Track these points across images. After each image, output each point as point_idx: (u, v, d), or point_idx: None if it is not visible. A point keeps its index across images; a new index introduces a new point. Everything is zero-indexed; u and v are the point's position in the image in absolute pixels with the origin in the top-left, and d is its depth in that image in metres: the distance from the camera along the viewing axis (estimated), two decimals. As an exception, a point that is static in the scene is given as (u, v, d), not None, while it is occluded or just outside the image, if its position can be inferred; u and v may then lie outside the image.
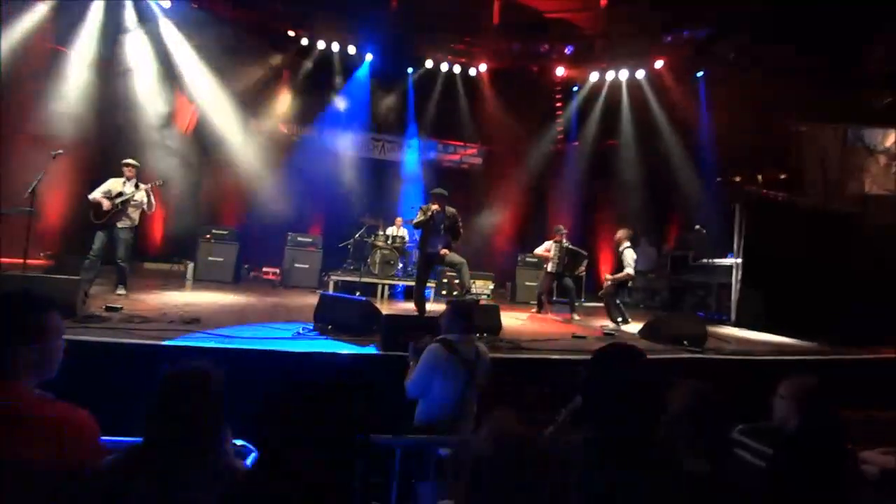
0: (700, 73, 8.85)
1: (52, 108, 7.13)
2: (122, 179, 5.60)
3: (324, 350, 3.62)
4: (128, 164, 5.64)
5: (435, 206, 5.23)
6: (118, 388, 2.41)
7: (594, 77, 9.95)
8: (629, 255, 6.33)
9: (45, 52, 7.23)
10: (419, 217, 5.25)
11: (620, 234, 6.50)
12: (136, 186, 5.62)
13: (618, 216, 10.07)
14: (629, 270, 6.29)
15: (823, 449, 1.74)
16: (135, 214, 5.66)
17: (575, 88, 10.34)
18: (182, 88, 8.58)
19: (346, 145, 10.14)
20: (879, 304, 5.51)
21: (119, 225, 5.52)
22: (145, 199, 5.68)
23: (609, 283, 6.39)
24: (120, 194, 5.51)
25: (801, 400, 1.84)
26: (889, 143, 7.69)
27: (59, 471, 1.24)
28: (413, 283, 6.15)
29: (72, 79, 7.33)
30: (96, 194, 5.48)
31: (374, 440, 2.20)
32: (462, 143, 10.75)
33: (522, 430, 1.09)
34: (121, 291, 5.42)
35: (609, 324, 6.17)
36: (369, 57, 9.80)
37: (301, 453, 1.03)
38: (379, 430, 2.48)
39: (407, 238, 8.48)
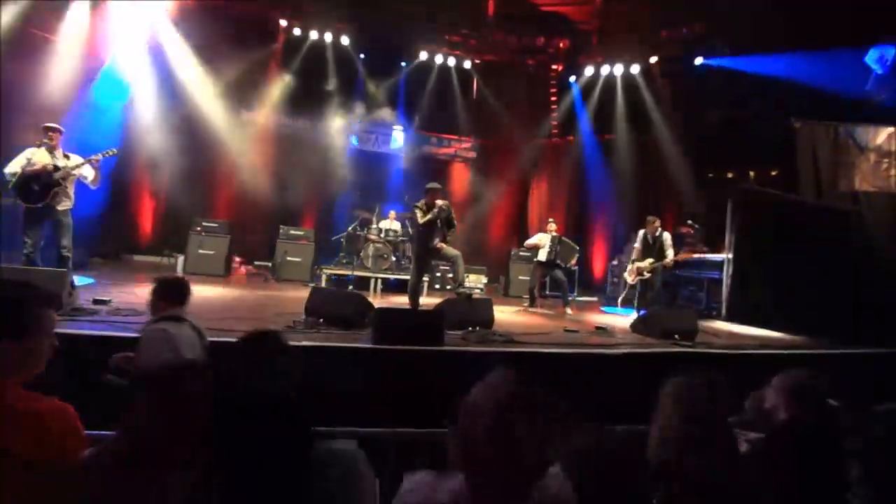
0: (699, 61, 8.80)
1: (40, 96, 7.00)
2: (43, 149, 4.54)
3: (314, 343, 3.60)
4: (53, 129, 4.59)
5: (441, 202, 5.19)
6: (105, 381, 2.38)
7: (589, 71, 9.93)
8: (670, 238, 6.49)
9: (33, 40, 7.09)
10: (426, 216, 5.18)
11: (657, 221, 6.55)
12: (66, 157, 4.65)
13: (612, 211, 10.13)
14: (672, 253, 6.42)
15: (810, 442, 1.75)
16: (72, 192, 4.70)
17: (570, 82, 10.31)
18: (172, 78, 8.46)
19: (339, 137, 10.06)
20: (870, 300, 5.57)
21: (60, 207, 4.55)
22: (91, 174, 4.71)
23: (658, 268, 6.44)
24: (55, 168, 4.51)
25: (791, 392, 1.86)
26: (879, 140, 7.75)
27: (41, 464, 1.22)
28: (407, 277, 6.14)
29: (59, 66, 7.19)
30: (16, 169, 4.37)
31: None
32: (456, 137, 10.70)
33: (519, 386, 1.11)
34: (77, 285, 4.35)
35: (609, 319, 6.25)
36: (363, 48, 9.71)
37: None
38: (370, 423, 2.48)
39: (400, 231, 8.45)
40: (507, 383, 1.13)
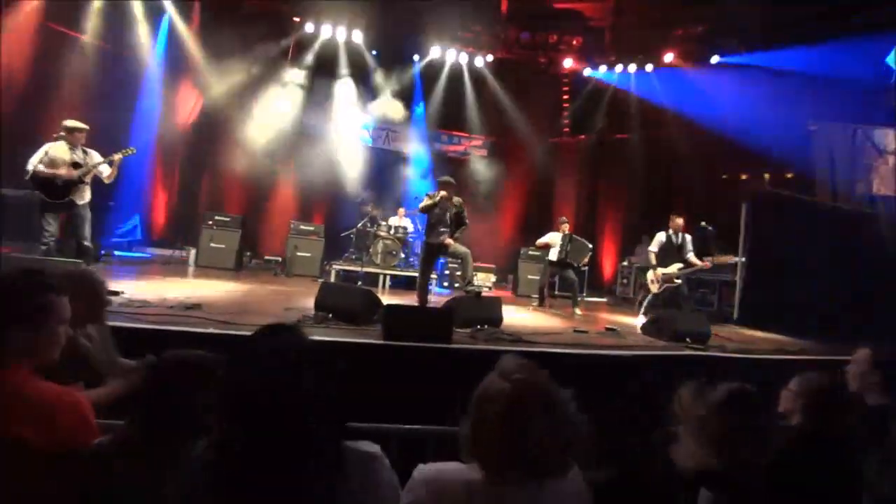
0: (716, 60, 8.63)
1: (56, 89, 7.10)
2: (65, 145, 4.69)
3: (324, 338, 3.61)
4: (78, 129, 4.76)
5: (443, 193, 5.19)
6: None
7: (602, 69, 9.84)
8: (690, 240, 6.25)
9: (49, 34, 7.19)
10: (426, 202, 5.22)
11: (681, 220, 6.26)
12: (85, 153, 4.81)
13: (623, 211, 10.05)
14: (693, 256, 6.18)
15: (824, 447, 1.72)
16: (89, 186, 4.89)
17: (584, 79, 10.21)
18: (187, 75, 8.53)
19: (350, 134, 10.08)
20: (886, 305, 5.46)
21: (80, 202, 4.74)
22: (107, 171, 4.87)
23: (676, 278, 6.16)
24: (76, 164, 4.68)
25: (807, 397, 1.83)
26: (898, 144, 7.60)
27: (52, 451, 1.22)
28: (415, 274, 6.14)
29: (76, 61, 7.29)
30: (38, 167, 4.53)
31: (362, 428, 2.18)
32: (467, 134, 10.68)
33: (530, 372, 1.10)
34: None
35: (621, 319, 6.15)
36: (375, 44, 9.72)
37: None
38: (378, 420, 2.47)
39: (410, 228, 8.45)
40: (520, 371, 1.12)
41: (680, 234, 6.27)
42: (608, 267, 10.24)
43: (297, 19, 9.18)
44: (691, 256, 6.20)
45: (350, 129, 10.08)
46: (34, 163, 4.56)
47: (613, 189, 10.17)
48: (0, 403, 1.24)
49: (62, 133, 4.72)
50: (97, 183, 5.01)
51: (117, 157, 4.89)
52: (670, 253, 6.24)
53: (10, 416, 1.22)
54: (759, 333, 6.20)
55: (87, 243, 4.78)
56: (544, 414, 1.04)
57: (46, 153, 4.60)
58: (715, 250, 7.67)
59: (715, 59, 8.63)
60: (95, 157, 4.84)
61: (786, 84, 7.56)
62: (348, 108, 10.00)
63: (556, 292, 7.95)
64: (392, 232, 8.15)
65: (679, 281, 6.15)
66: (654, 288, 6.27)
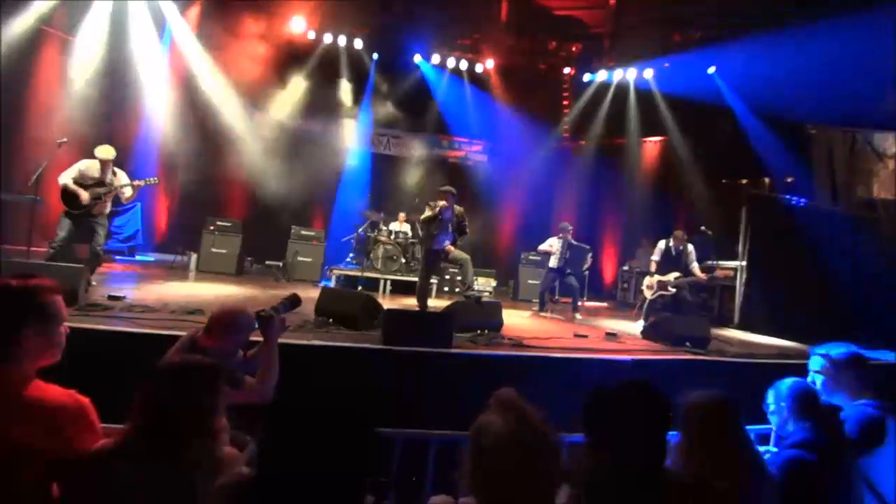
0: (713, 70, 8.67)
1: (60, 95, 7.14)
2: (98, 164, 5.03)
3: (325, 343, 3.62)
4: (104, 160, 5.06)
5: (443, 203, 5.26)
6: (119, 375, 2.41)
7: (602, 75, 9.89)
8: (694, 251, 6.29)
9: (51, 40, 7.24)
10: (427, 213, 5.31)
11: (684, 235, 6.34)
12: (114, 173, 5.14)
13: (623, 216, 10.06)
14: (696, 266, 6.23)
15: (822, 451, 1.73)
16: (109, 201, 5.22)
17: (583, 85, 10.26)
18: (187, 79, 8.57)
19: (350, 139, 10.12)
20: (887, 309, 5.47)
21: (97, 214, 5.08)
22: (128, 192, 5.20)
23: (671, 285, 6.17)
24: (100, 183, 5.02)
25: (797, 403, 1.84)
26: (898, 147, 7.61)
27: (57, 455, 1.23)
28: (415, 279, 6.17)
29: (79, 67, 7.34)
30: (67, 181, 4.87)
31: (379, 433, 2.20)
32: (467, 140, 10.71)
33: (533, 416, 1.10)
34: (93, 282, 4.80)
35: (617, 325, 6.14)
36: (376, 50, 9.77)
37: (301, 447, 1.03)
38: (379, 424, 2.48)
39: (410, 234, 8.47)
40: (514, 408, 1.12)
41: (682, 246, 6.33)
42: (609, 271, 10.24)
43: (299, 25, 9.23)
44: (694, 267, 6.27)
45: (350, 135, 10.11)
46: (66, 178, 4.90)
47: (613, 194, 10.18)
48: (5, 405, 1.25)
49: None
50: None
51: (139, 182, 5.30)
52: (669, 262, 6.35)
53: (16, 419, 1.23)
54: (759, 338, 6.20)
55: (99, 250, 5.15)
56: (539, 452, 1.05)
57: (79, 170, 4.96)
58: (715, 258, 7.69)
59: (712, 70, 8.65)
60: (122, 178, 5.18)
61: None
62: (349, 114, 10.04)
63: (557, 297, 7.95)
64: (392, 237, 8.16)
65: (673, 290, 6.18)
66: (649, 294, 6.38)
